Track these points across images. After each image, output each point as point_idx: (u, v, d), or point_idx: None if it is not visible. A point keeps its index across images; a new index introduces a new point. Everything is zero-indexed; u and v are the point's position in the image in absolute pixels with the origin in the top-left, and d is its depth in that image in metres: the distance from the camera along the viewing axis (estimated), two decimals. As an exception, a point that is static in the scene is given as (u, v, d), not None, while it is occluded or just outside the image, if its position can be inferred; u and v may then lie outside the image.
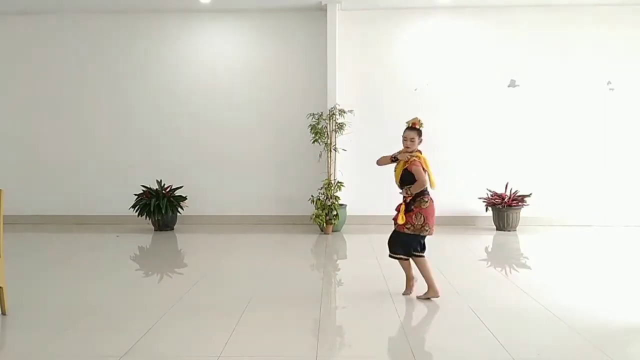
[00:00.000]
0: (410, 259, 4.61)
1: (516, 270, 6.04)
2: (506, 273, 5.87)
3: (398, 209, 4.53)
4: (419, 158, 4.47)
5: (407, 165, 4.44)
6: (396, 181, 4.60)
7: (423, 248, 4.60)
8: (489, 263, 6.52)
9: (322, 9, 8.40)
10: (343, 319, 4.30)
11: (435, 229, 4.56)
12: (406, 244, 4.54)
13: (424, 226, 4.46)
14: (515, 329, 3.86)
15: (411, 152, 4.51)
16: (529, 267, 6.20)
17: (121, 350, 3.42)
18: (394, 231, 4.60)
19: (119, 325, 3.96)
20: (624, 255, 6.82)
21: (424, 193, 4.48)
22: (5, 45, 8.99)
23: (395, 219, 4.54)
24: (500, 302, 4.55)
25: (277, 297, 4.71)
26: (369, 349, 3.56)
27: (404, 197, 4.52)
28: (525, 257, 6.81)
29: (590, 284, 5.25)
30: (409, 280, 4.69)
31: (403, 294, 4.66)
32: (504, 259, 6.81)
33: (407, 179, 4.46)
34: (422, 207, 4.46)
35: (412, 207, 4.45)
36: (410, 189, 4.44)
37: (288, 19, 8.71)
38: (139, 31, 8.89)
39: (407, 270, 4.67)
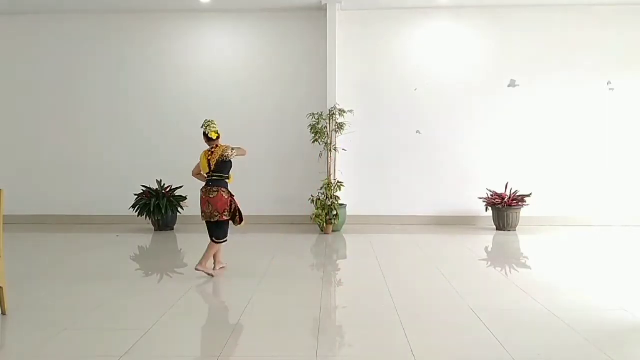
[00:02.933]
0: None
1: (516, 270, 6.03)
2: (506, 273, 5.87)
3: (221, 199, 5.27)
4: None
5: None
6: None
7: None
8: (489, 263, 6.51)
9: (322, 9, 8.40)
10: (343, 319, 4.30)
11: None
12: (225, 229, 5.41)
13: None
14: (515, 329, 3.86)
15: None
16: (529, 267, 6.20)
17: (121, 350, 3.42)
18: (218, 222, 5.29)
19: (119, 325, 3.96)
20: (624, 255, 6.81)
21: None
22: (5, 45, 9.00)
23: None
24: (500, 302, 4.55)
25: (277, 297, 4.71)
26: (369, 349, 3.56)
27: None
28: (525, 257, 6.81)
29: (590, 284, 5.25)
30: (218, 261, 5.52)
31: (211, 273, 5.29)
32: (504, 259, 6.81)
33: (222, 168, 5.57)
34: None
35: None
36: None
37: (288, 19, 8.71)
38: (139, 31, 8.89)
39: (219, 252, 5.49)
